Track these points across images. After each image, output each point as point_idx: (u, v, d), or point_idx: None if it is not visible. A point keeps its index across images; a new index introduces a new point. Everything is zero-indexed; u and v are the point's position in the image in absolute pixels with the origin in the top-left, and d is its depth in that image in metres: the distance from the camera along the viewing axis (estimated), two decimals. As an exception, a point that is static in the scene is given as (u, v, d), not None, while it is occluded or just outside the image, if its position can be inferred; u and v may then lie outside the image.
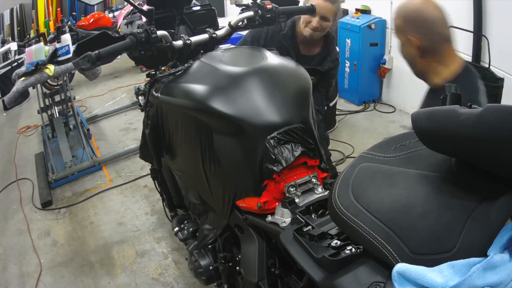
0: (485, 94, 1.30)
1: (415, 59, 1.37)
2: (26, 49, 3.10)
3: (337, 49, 2.23)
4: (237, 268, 1.30)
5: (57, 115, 3.76)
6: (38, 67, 2.60)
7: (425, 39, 1.33)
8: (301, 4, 1.76)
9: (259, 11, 1.59)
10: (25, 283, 2.08)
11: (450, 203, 0.71)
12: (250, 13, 1.60)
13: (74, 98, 3.93)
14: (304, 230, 0.99)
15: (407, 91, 3.66)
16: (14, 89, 2.63)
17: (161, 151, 1.55)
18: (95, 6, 6.56)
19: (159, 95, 1.39)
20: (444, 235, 0.67)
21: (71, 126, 3.71)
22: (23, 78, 2.62)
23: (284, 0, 1.66)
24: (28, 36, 6.43)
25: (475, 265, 0.61)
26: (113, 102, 4.59)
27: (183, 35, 1.46)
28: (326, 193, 1.15)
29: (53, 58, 2.71)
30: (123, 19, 5.36)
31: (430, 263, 0.65)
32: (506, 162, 0.64)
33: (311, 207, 1.11)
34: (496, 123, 0.63)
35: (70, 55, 2.72)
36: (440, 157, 0.78)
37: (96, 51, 1.17)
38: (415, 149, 0.84)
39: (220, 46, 1.62)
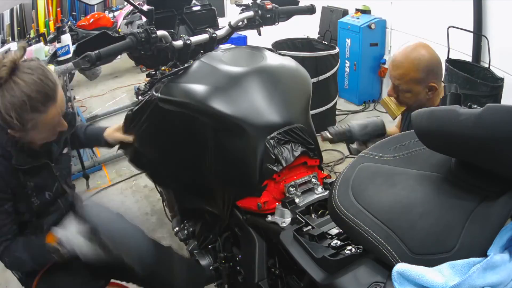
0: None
1: (424, 102, 1.44)
2: (26, 49, 3.10)
3: None
4: (237, 268, 1.30)
5: (57, 115, 3.75)
6: (38, 67, 2.60)
7: (440, 81, 1.44)
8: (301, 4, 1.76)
9: (259, 11, 1.59)
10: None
11: (450, 203, 0.70)
12: (250, 13, 1.60)
13: (74, 98, 3.93)
14: (304, 230, 0.99)
15: (407, 91, 3.65)
16: (14, 89, 2.63)
17: None
18: (95, 6, 6.56)
19: (159, 95, 1.39)
20: (444, 235, 0.67)
21: (71, 126, 3.71)
22: (23, 78, 2.61)
23: (284, 0, 1.66)
24: (28, 36, 6.43)
25: (475, 265, 0.61)
26: (113, 102, 4.60)
27: (183, 35, 1.46)
28: (326, 193, 1.15)
29: (53, 58, 2.71)
30: (123, 19, 5.36)
31: (430, 263, 0.65)
32: (506, 162, 0.64)
33: (311, 207, 1.11)
34: (496, 123, 0.63)
35: (70, 55, 2.73)
36: (440, 157, 0.78)
37: (96, 51, 1.17)
38: (415, 149, 0.84)
39: (220, 46, 1.62)
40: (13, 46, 4.98)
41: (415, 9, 3.44)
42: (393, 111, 1.52)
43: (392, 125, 1.80)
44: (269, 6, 1.59)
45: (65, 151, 1.38)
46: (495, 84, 2.47)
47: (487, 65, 2.65)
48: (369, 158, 0.88)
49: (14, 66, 1.07)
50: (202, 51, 1.55)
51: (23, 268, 1.30)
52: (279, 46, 3.42)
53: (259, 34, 1.68)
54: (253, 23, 1.63)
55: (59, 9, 6.91)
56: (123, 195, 2.81)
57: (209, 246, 1.44)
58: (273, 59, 1.35)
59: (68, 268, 1.28)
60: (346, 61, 3.96)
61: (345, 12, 4.13)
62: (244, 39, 4.31)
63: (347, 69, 4.00)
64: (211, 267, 1.44)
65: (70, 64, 2.66)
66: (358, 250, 0.82)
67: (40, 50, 2.83)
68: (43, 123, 1.14)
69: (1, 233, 1.20)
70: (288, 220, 1.07)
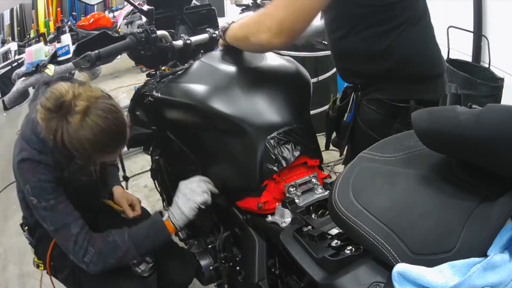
0: None
1: None
2: (26, 49, 3.12)
3: None
4: (237, 268, 1.30)
5: (57, 115, 3.75)
6: (38, 67, 2.60)
7: None
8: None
9: (259, 11, 1.59)
10: (25, 283, 2.07)
11: (450, 203, 0.71)
12: (250, 13, 1.60)
13: (74, 98, 3.92)
14: (304, 230, 0.99)
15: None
16: (14, 89, 2.62)
17: None
18: (95, 6, 6.58)
19: (159, 95, 1.39)
20: (444, 235, 0.67)
21: (71, 126, 3.70)
22: (23, 78, 2.62)
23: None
24: (28, 36, 6.45)
25: (475, 265, 0.61)
26: (113, 102, 4.59)
27: (183, 35, 1.47)
28: (326, 193, 1.15)
29: (53, 58, 2.71)
30: (123, 19, 5.37)
31: (430, 263, 0.65)
32: (506, 162, 0.64)
33: (311, 207, 1.10)
34: (496, 123, 0.63)
35: (70, 55, 2.72)
36: (440, 157, 0.78)
37: (96, 51, 1.18)
38: (415, 149, 0.84)
39: (220, 46, 1.62)
40: (13, 46, 4.99)
41: (415, 9, 3.43)
42: None
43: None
44: (269, 6, 1.59)
45: None
46: (495, 84, 2.47)
47: (487, 65, 2.65)
48: (369, 159, 0.88)
49: (89, 105, 1.03)
50: (202, 51, 1.55)
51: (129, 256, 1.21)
52: (279, 46, 3.41)
53: (259, 34, 1.68)
54: (253, 23, 1.63)
55: (59, 9, 6.93)
56: (123, 195, 2.80)
57: (209, 246, 1.44)
58: (273, 59, 1.35)
59: None
60: (346, 61, 3.95)
61: (345, 12, 4.13)
62: (244, 39, 4.31)
63: (347, 69, 4.00)
64: (211, 267, 1.44)
65: (70, 64, 2.65)
66: (358, 250, 0.82)
67: (40, 50, 2.83)
68: (108, 158, 1.22)
69: (78, 225, 1.17)
70: (288, 220, 1.07)
